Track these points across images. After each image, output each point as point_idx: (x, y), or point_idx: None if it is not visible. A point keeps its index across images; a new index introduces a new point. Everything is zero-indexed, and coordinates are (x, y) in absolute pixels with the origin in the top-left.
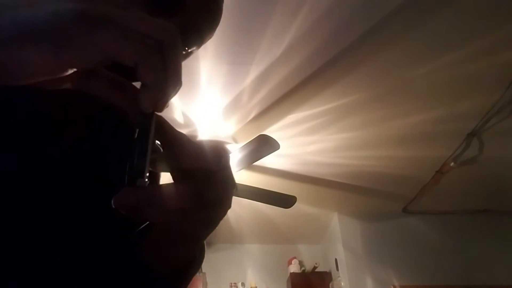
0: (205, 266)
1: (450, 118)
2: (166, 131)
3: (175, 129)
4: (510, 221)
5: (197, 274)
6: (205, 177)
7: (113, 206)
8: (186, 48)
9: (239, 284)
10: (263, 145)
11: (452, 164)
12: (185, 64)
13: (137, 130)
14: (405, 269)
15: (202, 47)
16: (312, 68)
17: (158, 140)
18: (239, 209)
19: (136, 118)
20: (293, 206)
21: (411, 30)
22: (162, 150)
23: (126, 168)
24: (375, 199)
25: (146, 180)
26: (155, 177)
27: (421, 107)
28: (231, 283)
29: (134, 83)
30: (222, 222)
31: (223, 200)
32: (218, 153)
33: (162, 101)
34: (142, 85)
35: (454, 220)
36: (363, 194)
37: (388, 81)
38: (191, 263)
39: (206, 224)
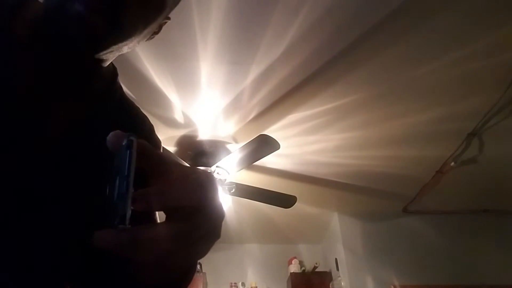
0: (205, 266)
1: (450, 117)
2: (157, 166)
3: (159, 157)
4: (510, 221)
5: (197, 273)
6: (192, 215)
7: (94, 244)
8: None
9: (239, 284)
10: (264, 145)
11: (452, 164)
12: (185, 65)
13: (116, 158)
14: (405, 268)
15: (202, 46)
16: (313, 68)
17: (143, 172)
18: (239, 209)
19: (115, 147)
20: (293, 206)
21: (411, 30)
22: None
23: (105, 203)
24: (375, 199)
25: (128, 223)
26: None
27: (421, 107)
28: (231, 283)
29: None
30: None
31: (212, 234)
32: (205, 187)
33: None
34: None
35: (454, 220)
36: (363, 194)
37: (388, 80)
38: (184, 277)
39: (194, 256)
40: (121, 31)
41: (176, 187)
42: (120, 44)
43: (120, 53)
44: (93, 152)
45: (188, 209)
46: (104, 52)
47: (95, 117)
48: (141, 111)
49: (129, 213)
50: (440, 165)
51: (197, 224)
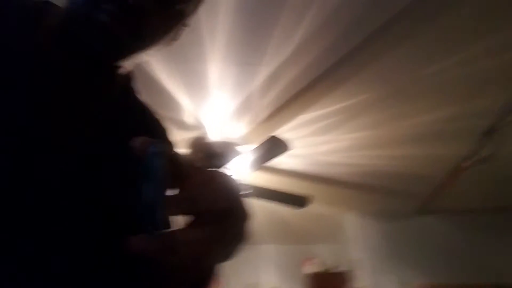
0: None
1: (465, 115)
2: (180, 171)
3: (182, 162)
4: None
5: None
6: (222, 218)
7: (126, 250)
8: (177, 7)
9: (256, 285)
10: (274, 147)
11: (468, 162)
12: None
13: (142, 164)
14: (423, 267)
15: (211, 48)
16: (322, 67)
17: (170, 178)
18: (253, 210)
19: (141, 153)
20: (308, 207)
21: (422, 27)
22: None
23: (134, 209)
24: (390, 198)
25: (162, 229)
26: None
27: (433, 106)
28: (248, 284)
29: None
30: None
31: (242, 235)
32: (232, 189)
33: None
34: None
35: (471, 219)
36: (378, 194)
37: (400, 79)
38: (208, 277)
39: (222, 258)
40: (143, 40)
41: (206, 191)
42: (140, 52)
43: (138, 60)
44: (112, 157)
45: (217, 212)
46: (124, 60)
47: (112, 122)
48: (155, 114)
49: (163, 219)
50: (456, 164)
51: (229, 226)
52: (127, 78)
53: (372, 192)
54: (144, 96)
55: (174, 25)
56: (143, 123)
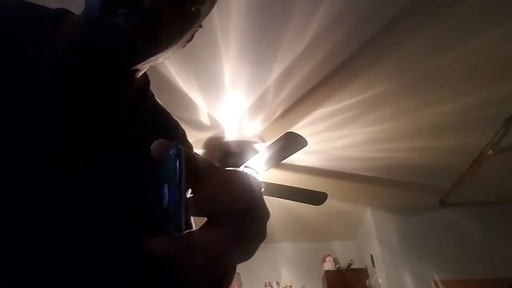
0: (239, 266)
1: (485, 103)
2: (198, 172)
3: (201, 163)
4: None
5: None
6: (240, 218)
7: (146, 252)
8: (191, 8)
9: (274, 284)
10: (291, 143)
11: (490, 151)
12: (209, 67)
13: (161, 166)
14: (444, 263)
15: (224, 47)
16: (336, 61)
17: (189, 179)
18: (270, 208)
19: (160, 156)
20: (325, 203)
21: (436, 17)
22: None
23: (154, 211)
24: (409, 192)
25: (183, 230)
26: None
27: (452, 95)
28: (266, 283)
29: None
30: None
31: (261, 235)
32: (250, 189)
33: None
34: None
35: (495, 211)
36: (396, 188)
37: (416, 70)
38: (227, 277)
39: (243, 257)
40: (159, 43)
41: (224, 191)
42: (157, 55)
43: (155, 63)
44: (132, 160)
45: (236, 212)
46: (142, 63)
47: (131, 126)
48: (173, 117)
49: (184, 220)
50: (477, 154)
51: (248, 226)
52: (144, 82)
53: (390, 186)
54: (160, 97)
55: (189, 27)
56: (161, 126)
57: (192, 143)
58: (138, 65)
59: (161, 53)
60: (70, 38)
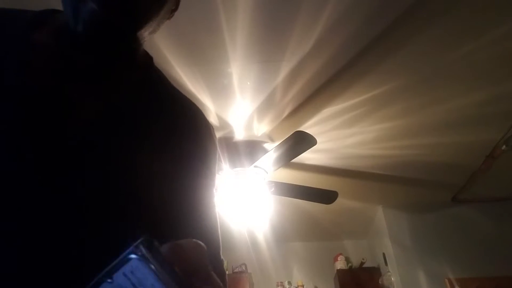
0: (250, 266)
1: (497, 98)
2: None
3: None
4: None
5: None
6: None
7: None
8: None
9: (286, 283)
10: (300, 141)
11: (503, 147)
12: (216, 67)
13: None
14: (458, 261)
15: (232, 48)
16: (345, 59)
17: None
18: (281, 207)
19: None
20: (336, 202)
21: (446, 12)
22: None
23: None
24: (421, 190)
25: None
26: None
27: (463, 91)
28: (278, 282)
29: None
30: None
31: None
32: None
33: None
34: None
35: (509, 207)
36: (408, 185)
37: (426, 66)
38: None
39: None
40: (137, 19)
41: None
42: (141, 31)
43: (147, 38)
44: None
45: None
46: (129, 42)
47: (132, 105)
48: (182, 95)
49: None
50: (490, 150)
51: None
52: (146, 59)
53: (402, 184)
54: None
55: None
56: (168, 108)
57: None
58: (127, 44)
59: (145, 28)
60: (52, 31)
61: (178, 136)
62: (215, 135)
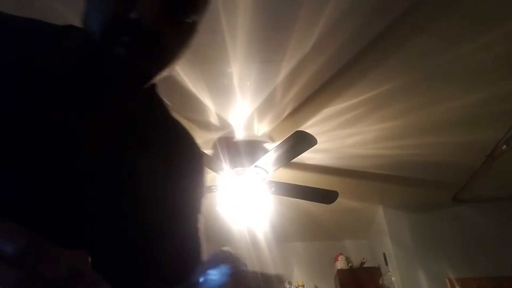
0: (251, 266)
1: (497, 98)
2: None
3: None
4: None
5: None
6: None
7: None
8: (188, 20)
9: (286, 283)
10: (300, 141)
11: (504, 147)
12: (217, 67)
13: None
14: (459, 260)
15: (232, 48)
16: (345, 59)
17: None
18: (281, 207)
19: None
20: (336, 201)
21: (445, 13)
22: None
23: None
24: (422, 189)
25: None
26: None
27: (464, 90)
28: None
29: None
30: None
31: None
32: None
33: None
34: None
35: (510, 207)
36: (408, 185)
37: (426, 65)
38: None
39: None
40: (163, 62)
41: None
42: (162, 73)
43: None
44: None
45: None
46: (148, 83)
47: (132, 135)
48: (180, 123)
49: None
50: (490, 149)
51: None
52: (150, 90)
53: (402, 183)
54: (169, 99)
55: (189, 38)
56: (166, 136)
57: (201, 144)
58: (145, 85)
59: (165, 70)
60: (72, 57)
61: (175, 167)
62: (204, 164)
